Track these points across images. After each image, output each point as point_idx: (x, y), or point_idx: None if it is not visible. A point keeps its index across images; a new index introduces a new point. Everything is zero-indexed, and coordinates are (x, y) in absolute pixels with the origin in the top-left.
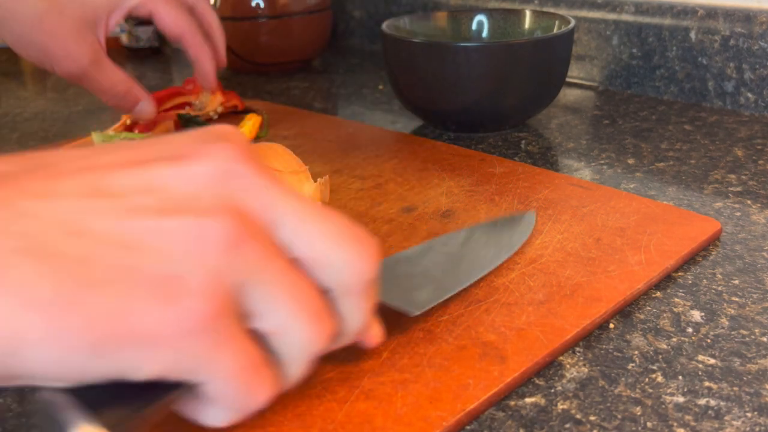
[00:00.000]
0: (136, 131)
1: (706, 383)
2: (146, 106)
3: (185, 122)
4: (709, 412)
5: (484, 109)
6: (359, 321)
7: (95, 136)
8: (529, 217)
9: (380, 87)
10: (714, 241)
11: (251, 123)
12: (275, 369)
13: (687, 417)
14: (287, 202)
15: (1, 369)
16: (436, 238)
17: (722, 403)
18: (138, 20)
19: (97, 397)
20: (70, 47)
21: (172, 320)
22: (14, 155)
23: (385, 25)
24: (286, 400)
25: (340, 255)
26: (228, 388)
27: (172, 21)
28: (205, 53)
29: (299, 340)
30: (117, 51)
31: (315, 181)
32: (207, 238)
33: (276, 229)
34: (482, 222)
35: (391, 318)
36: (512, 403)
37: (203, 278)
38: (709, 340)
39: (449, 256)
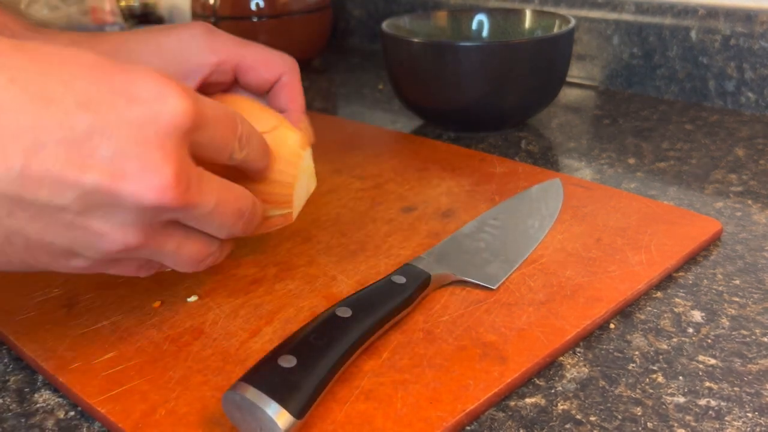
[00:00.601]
0: None
1: (707, 383)
2: None
3: None
4: (710, 412)
5: (484, 109)
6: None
7: None
8: (556, 184)
9: (380, 87)
10: (715, 241)
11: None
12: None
13: (687, 417)
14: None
15: None
16: (484, 214)
17: (723, 404)
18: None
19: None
20: None
21: (67, 269)
22: None
23: (385, 25)
24: None
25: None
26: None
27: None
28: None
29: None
30: None
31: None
32: (113, 245)
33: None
34: (513, 196)
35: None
36: (512, 403)
37: (99, 260)
38: (709, 341)
39: (501, 229)
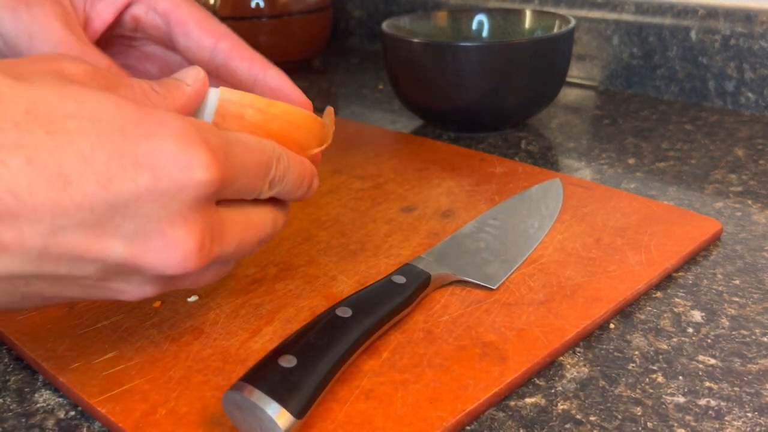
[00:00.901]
0: None
1: (707, 383)
2: None
3: None
4: (710, 412)
5: (484, 109)
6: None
7: None
8: (556, 184)
9: (380, 87)
10: (714, 241)
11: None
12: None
13: (687, 417)
14: None
15: None
16: (484, 214)
17: (723, 404)
18: None
19: (280, 389)
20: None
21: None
22: None
23: (384, 25)
24: None
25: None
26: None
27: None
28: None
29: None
30: None
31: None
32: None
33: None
34: (512, 196)
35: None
36: (512, 403)
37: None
38: (709, 341)
39: (501, 229)
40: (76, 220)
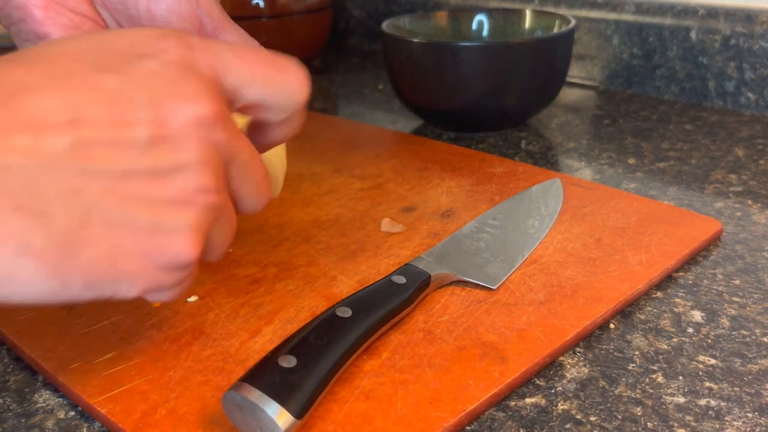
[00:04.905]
0: None
1: (707, 383)
2: None
3: None
4: (710, 412)
5: (484, 109)
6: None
7: None
8: (556, 184)
9: (380, 87)
10: (715, 241)
11: None
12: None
13: (687, 417)
14: (229, 57)
15: None
16: (484, 214)
17: (723, 404)
18: None
19: (281, 389)
20: None
21: (158, 265)
22: None
23: (385, 25)
24: None
25: (280, 93)
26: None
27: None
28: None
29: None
30: None
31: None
32: (191, 196)
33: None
34: (513, 196)
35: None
36: (512, 403)
37: (188, 233)
38: (709, 341)
39: (501, 229)
40: (96, 102)
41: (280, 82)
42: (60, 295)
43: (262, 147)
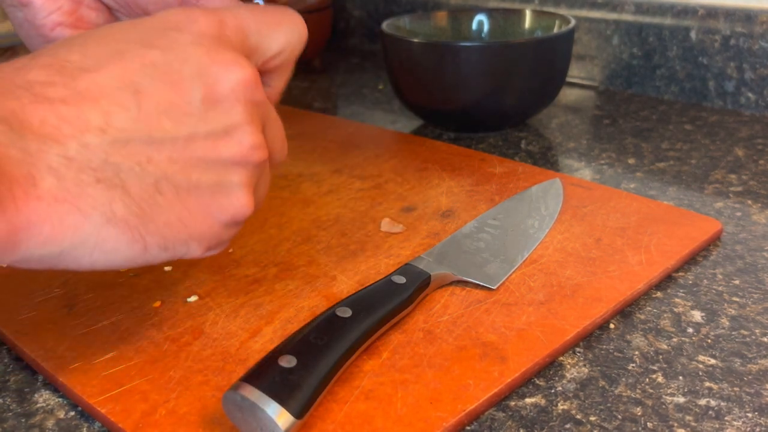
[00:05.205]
0: None
1: (707, 383)
2: None
3: None
4: (710, 412)
5: (484, 109)
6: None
7: None
8: (556, 184)
9: (380, 87)
10: (714, 241)
11: None
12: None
13: (687, 417)
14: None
15: (70, 261)
16: (484, 214)
17: (723, 404)
18: None
19: (280, 389)
20: None
21: (222, 222)
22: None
23: (384, 25)
24: None
25: (290, 35)
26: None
27: None
28: None
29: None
30: None
31: None
32: (247, 154)
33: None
34: (512, 196)
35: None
36: (512, 403)
37: (245, 189)
38: (709, 341)
39: (501, 229)
40: (148, 75)
41: (287, 27)
42: (141, 258)
43: None
